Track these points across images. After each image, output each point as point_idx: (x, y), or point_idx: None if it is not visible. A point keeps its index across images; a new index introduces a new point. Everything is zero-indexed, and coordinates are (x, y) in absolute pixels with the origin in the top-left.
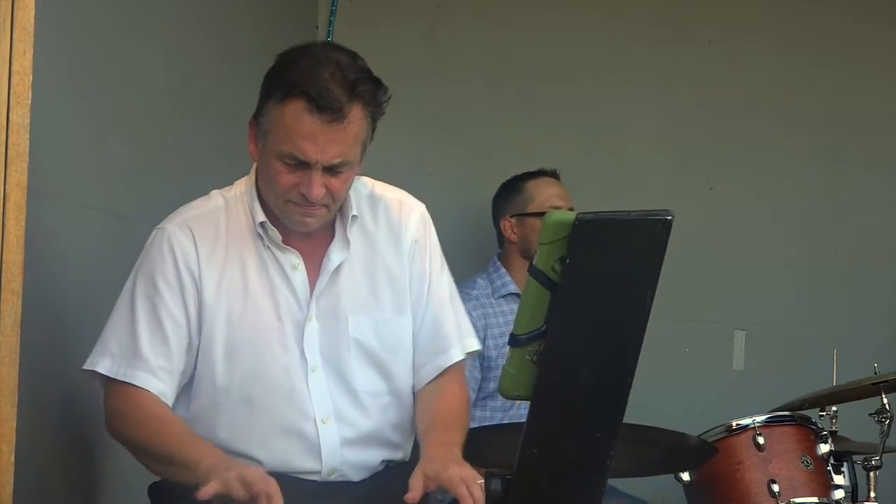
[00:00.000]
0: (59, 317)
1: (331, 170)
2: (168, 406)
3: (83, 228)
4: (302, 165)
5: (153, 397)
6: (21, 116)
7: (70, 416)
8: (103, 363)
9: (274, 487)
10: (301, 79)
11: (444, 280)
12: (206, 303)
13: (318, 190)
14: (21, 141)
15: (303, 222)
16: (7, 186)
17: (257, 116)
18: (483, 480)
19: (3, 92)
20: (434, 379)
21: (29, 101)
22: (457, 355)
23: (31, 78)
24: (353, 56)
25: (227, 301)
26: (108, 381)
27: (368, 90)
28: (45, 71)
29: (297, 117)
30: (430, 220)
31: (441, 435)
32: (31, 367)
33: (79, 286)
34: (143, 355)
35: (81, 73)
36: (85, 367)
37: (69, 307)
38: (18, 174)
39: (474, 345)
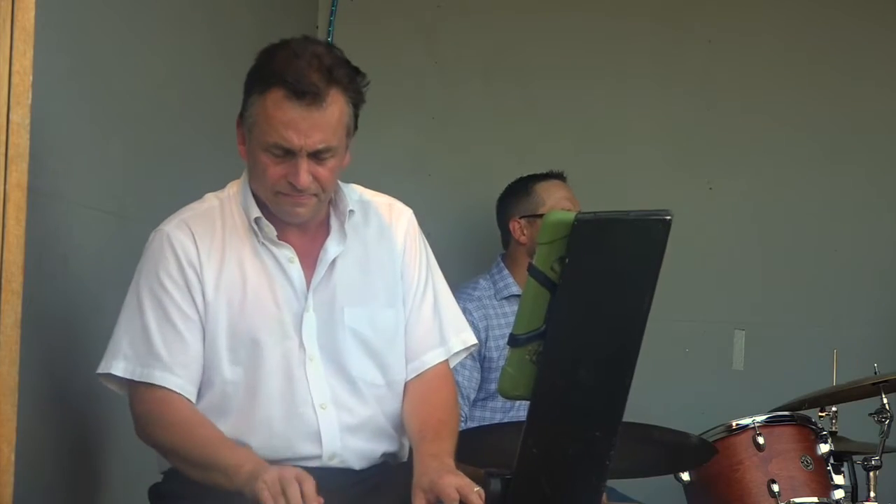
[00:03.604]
0: (58, 316)
1: (316, 156)
2: (193, 403)
3: (83, 228)
4: (288, 154)
5: (178, 398)
6: (21, 116)
7: (70, 416)
8: (117, 365)
9: (308, 479)
10: (279, 69)
11: (431, 281)
12: (207, 298)
13: (304, 177)
14: (21, 141)
15: (294, 212)
16: (7, 186)
17: (242, 114)
18: (480, 487)
19: (3, 92)
20: (419, 377)
21: (29, 101)
22: (440, 356)
23: (31, 78)
24: (330, 47)
25: (227, 294)
26: (130, 385)
27: (345, 74)
28: (45, 71)
29: (278, 106)
30: (417, 223)
31: (431, 446)
32: (31, 367)
33: (79, 286)
34: (158, 353)
35: (81, 73)
36: (99, 370)
37: (69, 307)
38: (18, 174)
39: (468, 340)
